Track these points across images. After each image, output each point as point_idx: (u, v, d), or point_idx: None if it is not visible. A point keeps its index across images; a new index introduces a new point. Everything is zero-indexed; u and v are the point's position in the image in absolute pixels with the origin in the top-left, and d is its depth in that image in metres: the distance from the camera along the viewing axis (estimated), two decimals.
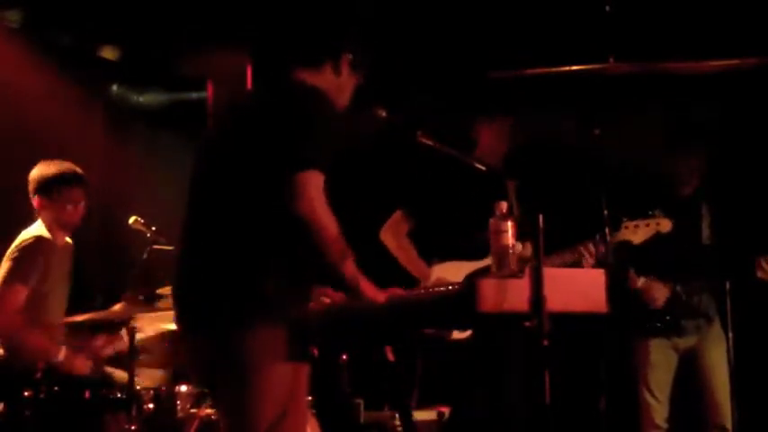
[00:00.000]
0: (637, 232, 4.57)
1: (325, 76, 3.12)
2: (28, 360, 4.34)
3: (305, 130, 2.87)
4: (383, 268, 3.49)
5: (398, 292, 3.06)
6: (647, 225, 4.57)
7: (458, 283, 3.01)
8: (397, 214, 4.66)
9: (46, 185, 4.60)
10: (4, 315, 4.39)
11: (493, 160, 4.50)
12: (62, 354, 4.40)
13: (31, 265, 4.46)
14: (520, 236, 3.04)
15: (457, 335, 4.27)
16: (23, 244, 4.49)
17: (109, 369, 4.62)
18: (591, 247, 4.50)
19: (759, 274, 4.84)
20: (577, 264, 4.47)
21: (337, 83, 3.13)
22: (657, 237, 4.58)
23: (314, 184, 2.81)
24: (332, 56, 3.13)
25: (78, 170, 4.68)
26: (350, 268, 2.89)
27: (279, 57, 3.20)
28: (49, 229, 4.60)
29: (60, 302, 4.69)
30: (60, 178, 4.61)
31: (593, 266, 4.43)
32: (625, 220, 4.56)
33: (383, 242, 4.66)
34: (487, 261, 3.44)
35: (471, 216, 3.21)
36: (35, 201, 4.62)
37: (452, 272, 4.33)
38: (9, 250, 4.52)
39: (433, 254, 4.58)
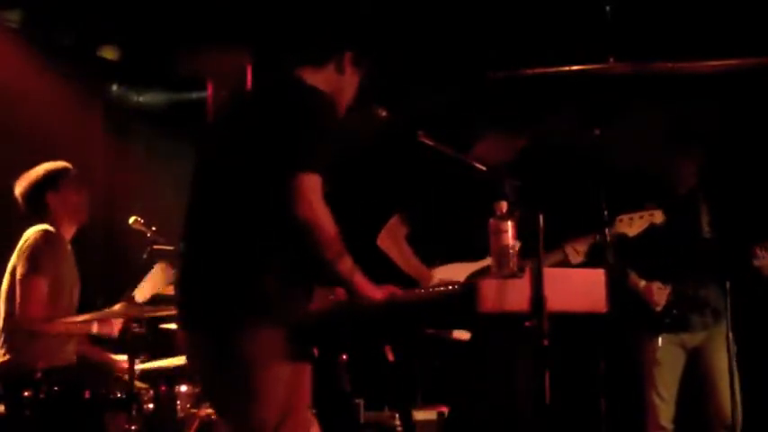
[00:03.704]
0: (632, 224, 4.62)
1: (328, 74, 3.09)
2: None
3: (302, 131, 2.85)
4: (381, 273, 3.45)
5: (396, 290, 3.04)
6: (641, 217, 4.62)
7: (458, 283, 3.00)
8: (395, 219, 4.52)
9: (52, 180, 4.67)
10: (32, 307, 4.45)
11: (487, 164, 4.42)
12: (95, 327, 4.55)
13: (46, 257, 4.51)
14: (519, 236, 3.03)
15: (458, 335, 4.25)
16: (33, 239, 4.54)
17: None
18: (578, 245, 4.50)
19: (756, 262, 4.85)
20: (564, 263, 4.45)
21: (340, 81, 3.11)
22: (651, 229, 4.62)
23: (310, 187, 2.79)
24: (335, 53, 3.10)
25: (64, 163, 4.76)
26: (345, 266, 2.87)
27: (280, 55, 3.17)
28: (60, 225, 4.64)
29: (74, 297, 4.71)
30: (57, 172, 4.69)
31: (580, 264, 4.43)
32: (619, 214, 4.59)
33: (381, 248, 4.51)
34: (489, 261, 3.41)
35: (469, 216, 3.19)
36: (48, 198, 4.64)
37: (455, 273, 4.27)
38: (19, 248, 4.56)
39: (433, 257, 4.51)
